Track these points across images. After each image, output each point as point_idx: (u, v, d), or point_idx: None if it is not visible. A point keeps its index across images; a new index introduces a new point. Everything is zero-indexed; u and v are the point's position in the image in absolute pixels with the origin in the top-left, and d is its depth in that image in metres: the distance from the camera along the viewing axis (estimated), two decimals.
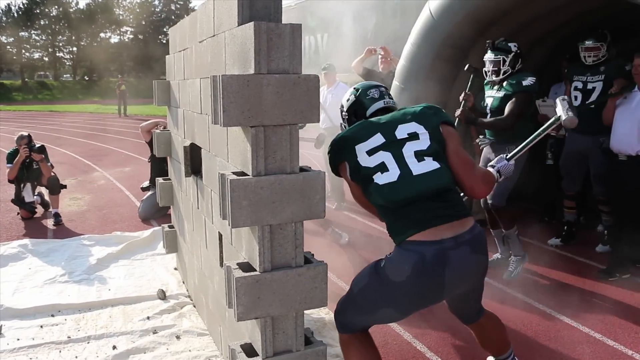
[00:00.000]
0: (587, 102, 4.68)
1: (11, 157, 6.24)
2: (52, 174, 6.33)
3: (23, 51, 54.23)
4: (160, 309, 3.75)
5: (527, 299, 3.96)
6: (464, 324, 2.75)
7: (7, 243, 5.19)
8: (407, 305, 2.32)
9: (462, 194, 2.46)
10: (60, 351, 3.24)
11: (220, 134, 2.55)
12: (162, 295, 3.96)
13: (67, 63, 58.64)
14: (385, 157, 2.32)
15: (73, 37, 54.96)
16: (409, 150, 2.32)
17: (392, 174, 2.28)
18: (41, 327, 3.54)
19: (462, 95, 4.41)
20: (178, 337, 3.34)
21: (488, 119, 4.34)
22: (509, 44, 4.28)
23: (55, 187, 6.28)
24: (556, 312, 3.75)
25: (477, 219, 2.76)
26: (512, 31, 5.08)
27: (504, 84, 4.26)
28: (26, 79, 52.71)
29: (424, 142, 2.34)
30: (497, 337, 2.74)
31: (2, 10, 54.86)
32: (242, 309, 2.11)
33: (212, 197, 2.81)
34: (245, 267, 2.21)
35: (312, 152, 7.94)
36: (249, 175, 2.09)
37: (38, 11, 53.55)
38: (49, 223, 6.19)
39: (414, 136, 2.35)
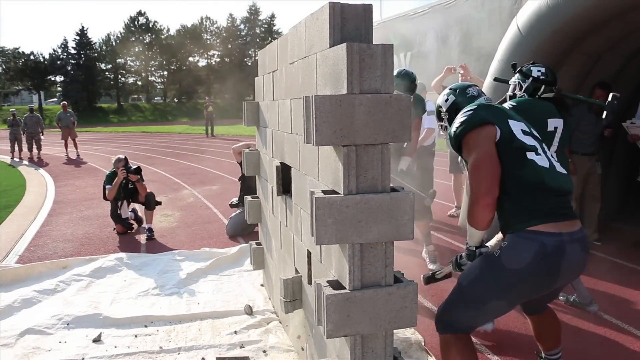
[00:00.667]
0: None
1: (110, 178, 6.62)
2: (148, 191, 6.66)
3: (119, 76, 57.77)
4: (247, 324, 3.83)
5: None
6: (525, 314, 2.90)
7: (105, 256, 5.49)
8: (518, 294, 2.37)
9: None
10: None
11: (311, 153, 2.59)
12: (249, 311, 4.05)
13: (159, 86, 61.85)
14: (537, 144, 2.44)
15: (164, 62, 57.93)
16: (551, 149, 2.58)
17: (544, 161, 2.38)
18: (135, 336, 3.71)
19: None
20: (265, 352, 3.40)
21: None
22: (534, 68, 3.65)
23: (152, 202, 6.62)
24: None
25: None
26: (605, 45, 4.88)
27: None
28: (121, 102, 56.09)
29: (557, 146, 2.74)
30: (553, 331, 2.85)
31: (102, 39, 58.74)
32: (332, 326, 2.12)
33: (302, 215, 2.86)
34: (335, 284, 2.22)
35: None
36: (340, 194, 2.11)
37: (133, 39, 56.94)
38: (142, 238, 6.51)
39: (555, 136, 2.66)
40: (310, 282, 2.85)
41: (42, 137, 17.42)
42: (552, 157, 2.49)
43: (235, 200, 6.85)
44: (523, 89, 3.68)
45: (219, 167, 13.26)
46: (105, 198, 6.70)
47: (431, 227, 6.55)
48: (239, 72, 50.70)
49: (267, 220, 4.12)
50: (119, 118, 50.32)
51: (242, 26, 60.24)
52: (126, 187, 6.64)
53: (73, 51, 55.62)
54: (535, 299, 2.65)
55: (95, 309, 4.12)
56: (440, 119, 2.83)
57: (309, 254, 2.82)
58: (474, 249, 2.50)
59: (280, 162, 3.36)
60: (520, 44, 5.12)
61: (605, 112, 4.04)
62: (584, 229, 2.43)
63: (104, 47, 57.47)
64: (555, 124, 3.08)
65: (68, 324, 3.88)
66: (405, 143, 4.65)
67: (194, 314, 4.05)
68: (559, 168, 2.44)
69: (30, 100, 54.75)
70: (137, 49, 56.42)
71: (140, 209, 7.03)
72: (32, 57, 54.97)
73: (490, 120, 2.41)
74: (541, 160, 2.38)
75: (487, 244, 2.54)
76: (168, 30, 59.41)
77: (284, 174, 3.31)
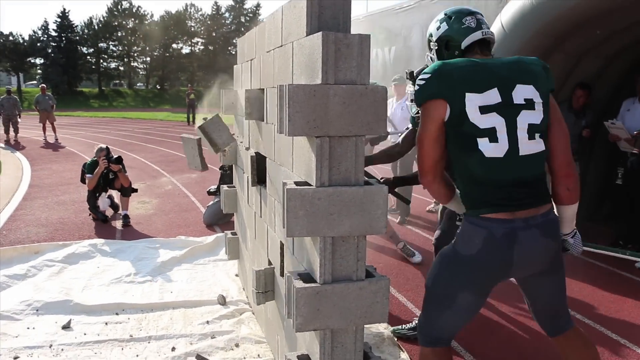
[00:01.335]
0: None
1: (90, 167, 6.51)
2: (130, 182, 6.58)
3: (101, 61, 57.02)
4: (220, 314, 3.79)
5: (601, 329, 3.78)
6: (550, 337, 2.46)
7: (79, 242, 5.40)
8: (481, 281, 2.19)
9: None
10: (122, 349, 3.33)
11: (285, 143, 2.56)
12: (222, 301, 4.01)
13: (141, 72, 61.21)
14: (498, 123, 2.05)
15: (147, 48, 57.31)
16: (523, 121, 2.06)
17: (500, 148, 2.05)
18: (106, 324, 3.65)
19: None
20: (236, 344, 3.37)
21: None
22: None
23: (128, 189, 6.53)
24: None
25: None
26: (586, 45, 4.89)
27: None
28: (103, 88, 55.40)
29: (538, 114, 2.09)
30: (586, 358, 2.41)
31: (84, 22, 57.85)
32: (301, 319, 2.09)
33: (276, 206, 2.82)
34: (306, 277, 2.19)
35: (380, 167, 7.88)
36: (312, 186, 2.07)
37: (116, 23, 56.21)
38: (118, 224, 6.42)
39: (530, 104, 2.08)
40: (282, 275, 2.81)
41: (19, 120, 17.10)
42: (524, 130, 2.07)
43: (213, 188, 6.78)
44: None
45: None
46: (82, 181, 6.59)
47: (408, 222, 6.58)
48: (222, 61, 50.33)
49: (242, 210, 4.07)
50: (100, 103, 49.72)
51: (227, 14, 59.82)
52: (107, 176, 6.53)
53: (54, 33, 54.83)
54: (542, 311, 2.41)
55: (66, 295, 4.04)
56: (429, 48, 2.50)
57: (282, 245, 2.78)
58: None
59: (256, 152, 3.31)
60: (503, 42, 5.11)
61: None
62: (551, 212, 2.18)
63: (86, 31, 56.63)
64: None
65: (37, 310, 3.81)
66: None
67: (166, 303, 4.00)
68: (527, 149, 2.07)
69: (8, 82, 53.78)
70: (119, 34, 55.73)
71: (117, 195, 6.93)
72: (10, 37, 54.00)
73: (440, 95, 2.08)
74: (495, 149, 2.05)
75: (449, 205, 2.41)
76: (152, 15, 58.85)
77: (259, 164, 3.26)
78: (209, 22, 58.74)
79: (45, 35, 54.99)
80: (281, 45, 2.61)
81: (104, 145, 6.67)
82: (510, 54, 5.06)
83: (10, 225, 6.28)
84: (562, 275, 2.36)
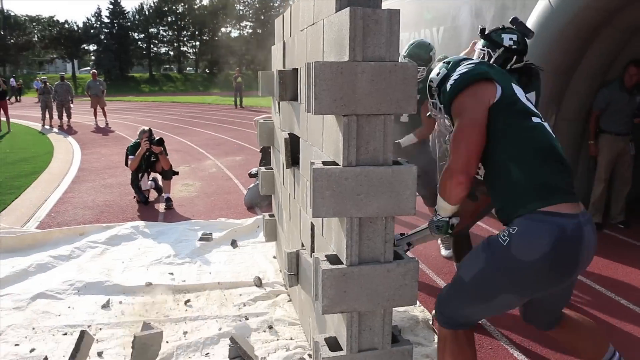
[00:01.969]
0: None
1: (133, 149, 6.65)
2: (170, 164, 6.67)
3: (152, 46, 58.14)
4: (255, 296, 3.81)
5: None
6: (544, 332, 2.42)
7: (122, 224, 5.52)
8: (533, 287, 2.01)
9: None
10: None
11: (316, 123, 2.51)
12: (259, 282, 4.02)
13: (191, 57, 62.11)
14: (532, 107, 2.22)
15: (196, 32, 58.04)
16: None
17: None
18: (143, 304, 3.72)
19: None
20: (270, 326, 3.37)
21: None
22: (505, 36, 3.33)
23: (168, 173, 6.63)
24: None
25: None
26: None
27: None
28: (153, 72, 56.54)
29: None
30: (588, 340, 2.36)
31: (135, 9, 59.10)
32: (328, 302, 2.06)
33: (307, 187, 2.78)
34: (333, 259, 2.16)
35: None
36: (339, 166, 2.02)
37: (166, 9, 57.12)
38: (161, 207, 6.54)
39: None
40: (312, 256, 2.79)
41: (71, 105, 17.62)
42: None
43: (254, 170, 6.80)
44: (493, 59, 3.30)
45: (244, 138, 13.25)
46: (126, 165, 6.74)
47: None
48: (270, 44, 50.40)
49: (279, 192, 4.06)
50: (151, 88, 50.80)
51: None
52: (149, 159, 6.66)
53: (106, 20, 56.21)
54: (543, 309, 2.31)
55: (107, 276, 4.13)
56: (431, 95, 2.48)
57: (312, 227, 2.75)
58: (447, 219, 2.36)
59: (290, 134, 3.28)
60: (550, 18, 4.90)
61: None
62: None
63: (137, 17, 57.80)
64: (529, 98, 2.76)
65: (79, 290, 3.91)
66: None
67: (204, 284, 4.03)
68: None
69: (64, 69, 55.60)
70: (169, 19, 56.60)
71: (160, 178, 7.05)
72: (66, 25, 55.69)
73: (491, 76, 2.14)
74: (548, 128, 2.17)
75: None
76: (201, 0, 59.35)
77: (293, 145, 3.23)
78: (257, 6, 58.96)
79: (98, 22, 56.51)
80: (313, 24, 2.55)
81: (146, 127, 6.79)
82: (556, 28, 4.85)
83: (59, 208, 6.49)
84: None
